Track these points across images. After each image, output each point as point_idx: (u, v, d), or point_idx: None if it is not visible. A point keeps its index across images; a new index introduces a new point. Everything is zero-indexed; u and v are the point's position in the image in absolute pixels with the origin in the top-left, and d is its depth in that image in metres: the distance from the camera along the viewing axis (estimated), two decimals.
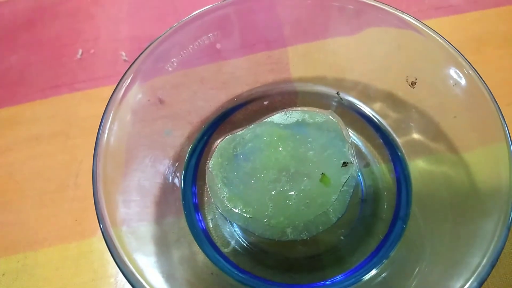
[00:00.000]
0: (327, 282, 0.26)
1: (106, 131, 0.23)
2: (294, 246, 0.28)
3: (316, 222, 0.26)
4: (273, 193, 0.26)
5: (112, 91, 0.24)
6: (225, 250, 0.27)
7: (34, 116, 0.35)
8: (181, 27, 0.26)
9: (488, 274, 0.19)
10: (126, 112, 0.25)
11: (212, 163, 0.28)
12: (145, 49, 0.26)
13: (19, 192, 0.32)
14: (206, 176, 0.28)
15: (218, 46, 0.29)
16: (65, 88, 0.36)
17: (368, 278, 0.25)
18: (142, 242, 0.24)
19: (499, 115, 0.23)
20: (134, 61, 0.25)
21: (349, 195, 0.26)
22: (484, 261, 0.20)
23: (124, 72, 0.25)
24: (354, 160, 0.27)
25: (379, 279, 0.25)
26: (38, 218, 0.31)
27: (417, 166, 0.29)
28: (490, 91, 0.24)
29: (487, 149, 0.24)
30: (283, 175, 0.27)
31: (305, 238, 0.27)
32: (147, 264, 0.23)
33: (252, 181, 0.27)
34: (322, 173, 0.26)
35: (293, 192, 0.26)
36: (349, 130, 0.29)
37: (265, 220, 0.26)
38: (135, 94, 0.26)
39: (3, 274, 0.29)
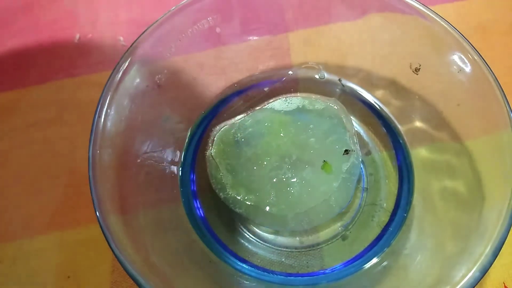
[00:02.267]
0: (327, 271, 0.26)
1: (103, 117, 0.23)
2: (294, 235, 0.27)
3: (318, 212, 0.25)
4: (275, 180, 0.26)
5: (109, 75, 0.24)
6: (223, 238, 0.27)
7: (30, 101, 0.35)
8: (179, 10, 0.25)
9: (491, 263, 0.19)
10: (124, 97, 0.24)
11: (215, 151, 0.27)
12: (142, 33, 0.25)
13: (16, 179, 0.32)
14: (207, 163, 0.28)
15: (217, 30, 0.28)
16: (62, 73, 0.35)
17: (369, 267, 0.25)
18: (139, 230, 0.24)
19: (504, 103, 0.22)
20: (131, 46, 0.25)
21: (352, 183, 0.26)
22: (487, 250, 0.19)
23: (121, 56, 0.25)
24: (356, 147, 0.27)
25: (380, 267, 0.25)
26: (35, 205, 0.31)
27: (419, 154, 0.28)
28: (496, 77, 0.23)
29: (491, 137, 0.24)
30: (285, 162, 0.26)
31: (306, 228, 0.27)
32: (143, 252, 0.23)
33: (254, 168, 0.26)
34: (324, 161, 0.26)
35: (295, 180, 0.26)
36: (351, 117, 0.29)
37: (267, 208, 0.25)
38: (133, 79, 0.25)
39: None
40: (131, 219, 0.24)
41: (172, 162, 0.28)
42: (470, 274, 0.19)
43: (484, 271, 0.19)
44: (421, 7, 0.25)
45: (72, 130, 0.33)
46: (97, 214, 0.21)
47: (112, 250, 0.20)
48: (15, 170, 0.32)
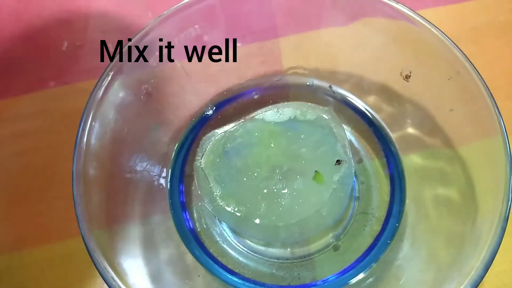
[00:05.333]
0: (318, 283, 0.25)
1: (87, 130, 0.22)
2: (285, 246, 0.27)
3: (309, 223, 0.25)
4: (265, 191, 0.25)
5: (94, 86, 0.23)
6: (213, 250, 0.27)
7: (19, 111, 0.34)
8: (165, 19, 0.25)
9: (482, 277, 0.19)
10: (109, 108, 0.24)
11: (204, 161, 0.27)
12: (128, 42, 0.25)
13: (3, 190, 0.31)
14: (195, 174, 0.27)
15: (205, 38, 0.28)
16: (51, 82, 0.35)
17: (361, 278, 0.25)
18: (126, 243, 0.23)
19: (494, 109, 0.22)
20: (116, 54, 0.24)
21: (344, 193, 0.26)
22: (478, 263, 0.19)
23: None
24: (349, 157, 0.26)
25: (372, 279, 0.24)
26: (23, 217, 0.30)
27: (411, 161, 0.28)
28: (486, 84, 0.23)
29: (483, 143, 0.24)
30: (276, 173, 0.26)
31: (297, 239, 0.26)
32: (131, 267, 0.22)
33: (245, 179, 0.26)
34: (316, 171, 0.26)
35: (286, 191, 0.25)
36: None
37: (257, 220, 0.25)
38: (118, 89, 0.25)
39: None
40: (118, 232, 0.23)
41: (160, 173, 0.28)
42: None
43: (476, 285, 0.19)
44: (411, 14, 0.24)
45: (61, 140, 0.33)
46: (81, 230, 0.20)
47: (96, 268, 0.20)
48: (2, 182, 0.32)
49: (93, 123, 0.22)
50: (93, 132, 0.22)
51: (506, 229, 0.20)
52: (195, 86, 0.30)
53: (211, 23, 0.28)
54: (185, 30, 0.27)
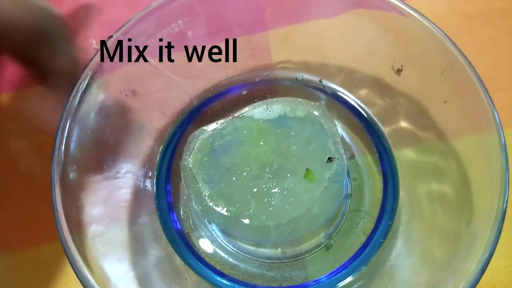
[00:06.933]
0: (310, 283, 0.25)
1: (65, 133, 0.21)
2: (276, 246, 0.26)
3: (301, 222, 0.24)
4: (255, 190, 0.25)
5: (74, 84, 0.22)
6: (201, 252, 0.26)
7: (2, 109, 0.33)
8: (147, 14, 0.24)
9: (478, 279, 0.18)
10: (90, 107, 0.23)
11: (192, 161, 0.26)
12: (109, 38, 0.24)
13: None
14: (183, 174, 0.26)
15: (189, 34, 0.27)
16: (33, 80, 0.34)
17: (348, 282, 0.24)
18: (111, 247, 0.23)
19: (488, 103, 0.22)
20: (98, 51, 0.23)
21: (336, 191, 0.25)
22: (474, 265, 0.18)
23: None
24: (341, 154, 0.25)
25: (362, 282, 0.24)
26: (8, 219, 0.30)
27: (404, 156, 0.27)
28: (479, 77, 0.22)
29: (477, 137, 0.23)
30: (266, 172, 0.25)
31: (289, 239, 0.26)
32: (116, 271, 0.22)
33: (234, 178, 0.25)
34: (307, 169, 0.25)
35: (276, 190, 0.25)
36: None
37: (246, 220, 0.24)
38: (100, 88, 0.24)
39: None
40: (102, 235, 0.23)
41: (146, 174, 0.27)
42: None
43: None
44: (401, 5, 0.24)
45: (45, 140, 0.31)
46: (60, 237, 0.20)
47: (76, 275, 0.19)
48: None
49: (72, 125, 0.21)
50: (72, 135, 0.21)
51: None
52: (182, 82, 0.29)
53: (195, 17, 0.27)
54: (168, 26, 0.26)
